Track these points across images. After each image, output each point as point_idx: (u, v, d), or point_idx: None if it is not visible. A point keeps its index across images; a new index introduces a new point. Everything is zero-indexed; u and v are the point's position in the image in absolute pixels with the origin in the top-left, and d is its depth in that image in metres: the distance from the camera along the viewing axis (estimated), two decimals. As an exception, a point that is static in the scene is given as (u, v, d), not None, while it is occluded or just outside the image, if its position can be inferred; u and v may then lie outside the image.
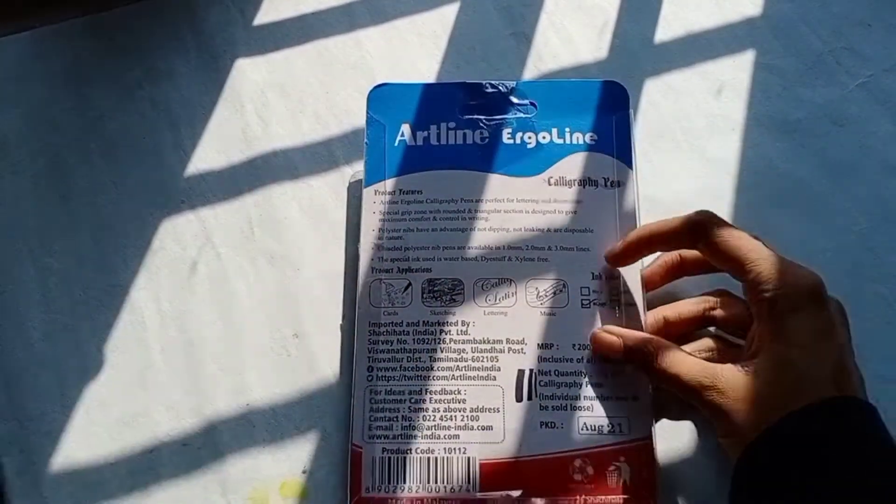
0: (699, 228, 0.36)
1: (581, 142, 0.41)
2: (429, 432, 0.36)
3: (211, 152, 0.45)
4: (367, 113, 0.42)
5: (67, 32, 0.48)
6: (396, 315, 0.38)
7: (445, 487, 0.35)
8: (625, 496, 0.35)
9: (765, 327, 0.33)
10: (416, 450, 0.36)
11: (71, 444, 0.38)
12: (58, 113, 0.46)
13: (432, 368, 0.37)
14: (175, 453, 0.38)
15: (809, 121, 0.46)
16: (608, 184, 0.40)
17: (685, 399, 0.33)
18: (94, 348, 0.40)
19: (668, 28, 0.49)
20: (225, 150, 0.45)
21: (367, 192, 0.40)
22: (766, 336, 0.33)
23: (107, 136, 0.45)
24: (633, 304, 0.38)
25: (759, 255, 0.34)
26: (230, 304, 0.41)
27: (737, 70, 0.48)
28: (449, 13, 0.50)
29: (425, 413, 0.36)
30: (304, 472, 0.38)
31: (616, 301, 0.38)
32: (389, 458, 0.36)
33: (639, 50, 0.49)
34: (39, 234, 0.42)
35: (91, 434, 0.38)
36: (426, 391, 0.37)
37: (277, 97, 0.47)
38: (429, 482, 0.35)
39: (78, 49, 0.48)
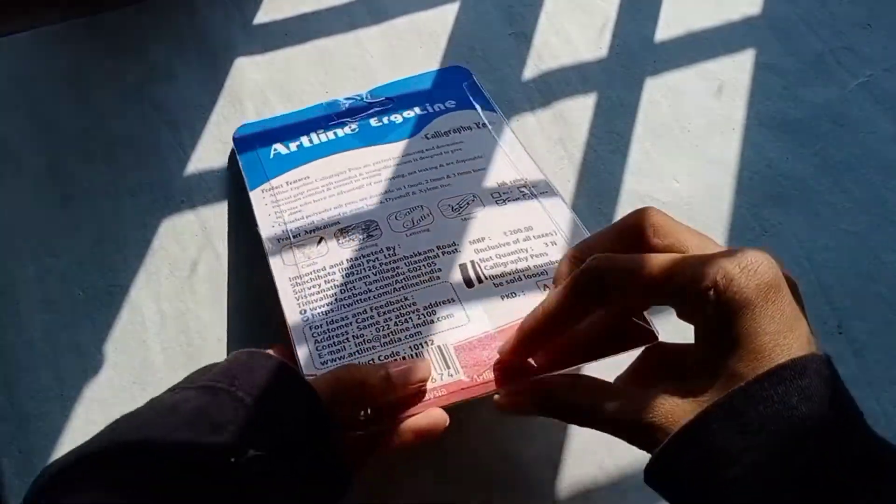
0: (592, 285, 0.28)
1: (443, 108, 0.44)
2: (387, 339, 0.33)
3: (211, 152, 0.45)
4: (236, 146, 0.43)
5: (68, 32, 0.48)
6: (316, 264, 0.36)
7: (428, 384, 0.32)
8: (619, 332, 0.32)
9: (710, 343, 0.27)
10: (377, 359, 0.33)
11: (70, 445, 0.37)
12: (58, 113, 0.46)
13: (370, 290, 0.35)
14: (175, 453, 0.38)
15: (809, 121, 0.46)
16: (479, 125, 0.43)
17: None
18: (94, 348, 0.40)
19: (668, 28, 0.49)
20: (225, 149, 0.45)
21: (255, 194, 0.40)
22: (712, 354, 0.26)
23: (107, 136, 0.45)
24: (547, 192, 0.39)
25: (678, 265, 0.27)
26: (230, 304, 0.41)
27: (737, 70, 0.48)
28: (449, 13, 0.50)
29: (377, 325, 0.34)
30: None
31: (528, 193, 0.39)
32: None
33: (639, 50, 0.49)
34: (40, 234, 0.42)
35: (90, 434, 0.38)
36: (371, 308, 0.34)
37: (277, 97, 0.47)
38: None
39: (78, 49, 0.48)
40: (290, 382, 0.29)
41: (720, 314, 0.26)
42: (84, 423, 0.38)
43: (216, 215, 0.43)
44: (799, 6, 0.50)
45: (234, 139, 0.44)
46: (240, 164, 0.42)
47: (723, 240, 0.43)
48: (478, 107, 0.44)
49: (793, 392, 0.24)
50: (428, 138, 0.42)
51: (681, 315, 0.28)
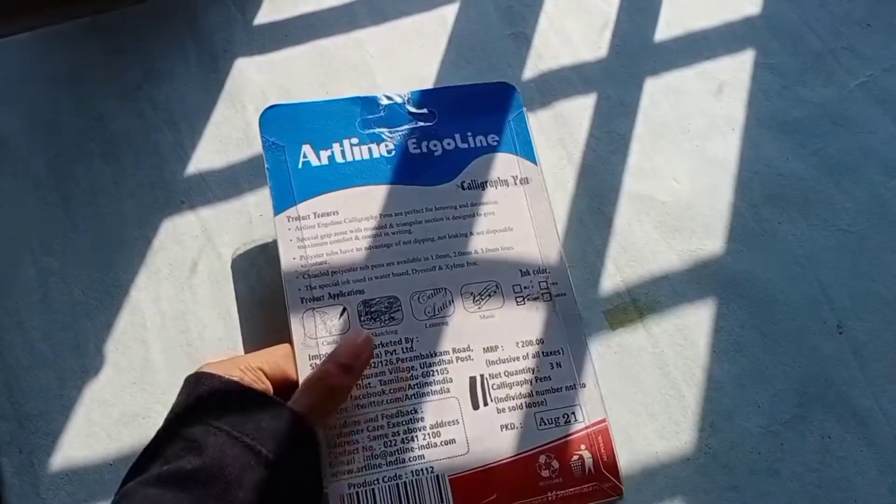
0: None
1: (484, 144, 0.42)
2: (393, 458, 0.35)
3: (211, 152, 0.45)
4: (262, 137, 0.40)
5: (68, 33, 0.48)
6: (336, 343, 0.36)
7: None
8: (592, 483, 0.36)
9: None
10: (383, 479, 0.34)
11: (70, 445, 0.38)
12: (58, 113, 0.46)
13: (384, 392, 0.36)
14: (175, 453, 0.38)
15: (809, 121, 0.46)
16: (517, 181, 0.41)
17: None
18: (94, 348, 0.40)
19: (668, 28, 0.49)
20: (225, 150, 0.45)
21: (280, 220, 0.38)
22: None
23: (107, 136, 0.45)
24: (564, 294, 0.39)
25: None
26: (230, 304, 0.41)
27: (737, 70, 0.48)
28: (449, 13, 0.50)
29: (386, 439, 0.35)
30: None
31: (546, 293, 0.39)
32: (357, 492, 0.34)
33: (639, 50, 0.49)
34: (39, 234, 0.42)
35: (90, 434, 0.38)
36: (383, 416, 0.35)
37: (277, 97, 0.47)
38: None
39: (78, 50, 0.48)
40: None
41: None
42: (84, 423, 0.38)
43: (216, 215, 0.43)
44: (799, 6, 0.50)
45: (261, 122, 0.40)
46: (265, 165, 0.39)
47: (723, 240, 0.43)
48: (518, 153, 0.42)
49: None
50: (463, 189, 0.41)
51: None
